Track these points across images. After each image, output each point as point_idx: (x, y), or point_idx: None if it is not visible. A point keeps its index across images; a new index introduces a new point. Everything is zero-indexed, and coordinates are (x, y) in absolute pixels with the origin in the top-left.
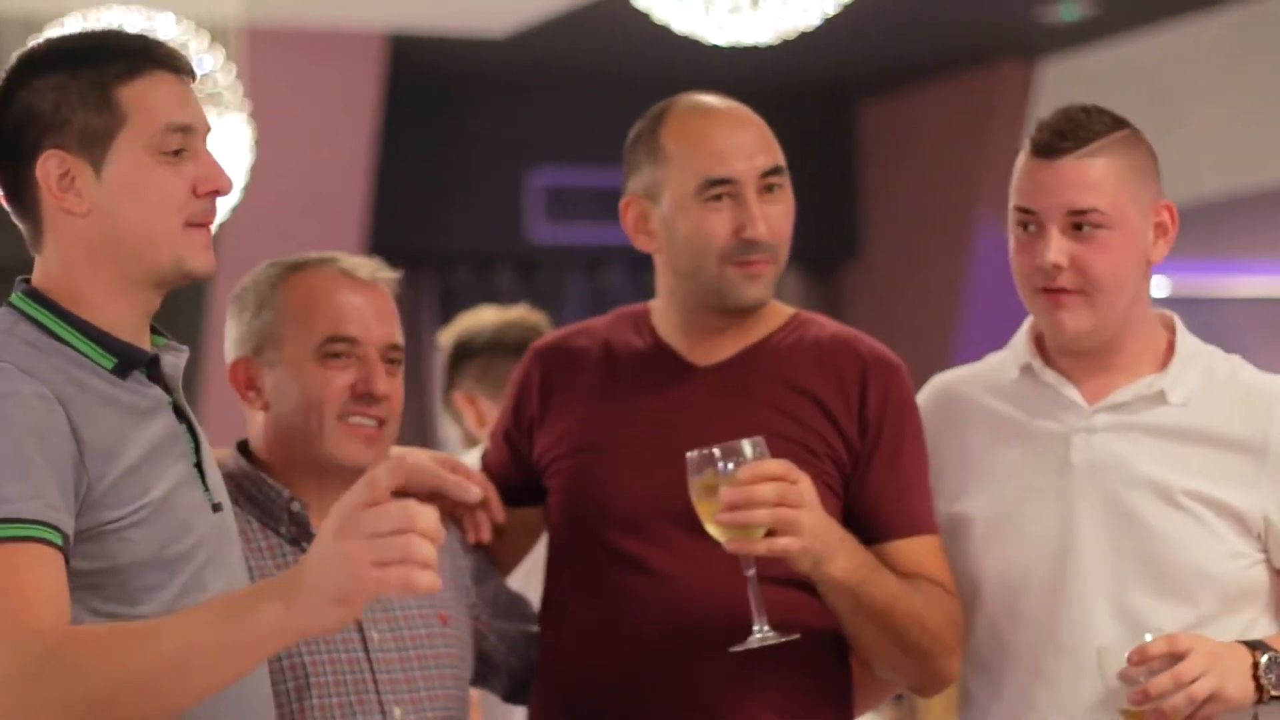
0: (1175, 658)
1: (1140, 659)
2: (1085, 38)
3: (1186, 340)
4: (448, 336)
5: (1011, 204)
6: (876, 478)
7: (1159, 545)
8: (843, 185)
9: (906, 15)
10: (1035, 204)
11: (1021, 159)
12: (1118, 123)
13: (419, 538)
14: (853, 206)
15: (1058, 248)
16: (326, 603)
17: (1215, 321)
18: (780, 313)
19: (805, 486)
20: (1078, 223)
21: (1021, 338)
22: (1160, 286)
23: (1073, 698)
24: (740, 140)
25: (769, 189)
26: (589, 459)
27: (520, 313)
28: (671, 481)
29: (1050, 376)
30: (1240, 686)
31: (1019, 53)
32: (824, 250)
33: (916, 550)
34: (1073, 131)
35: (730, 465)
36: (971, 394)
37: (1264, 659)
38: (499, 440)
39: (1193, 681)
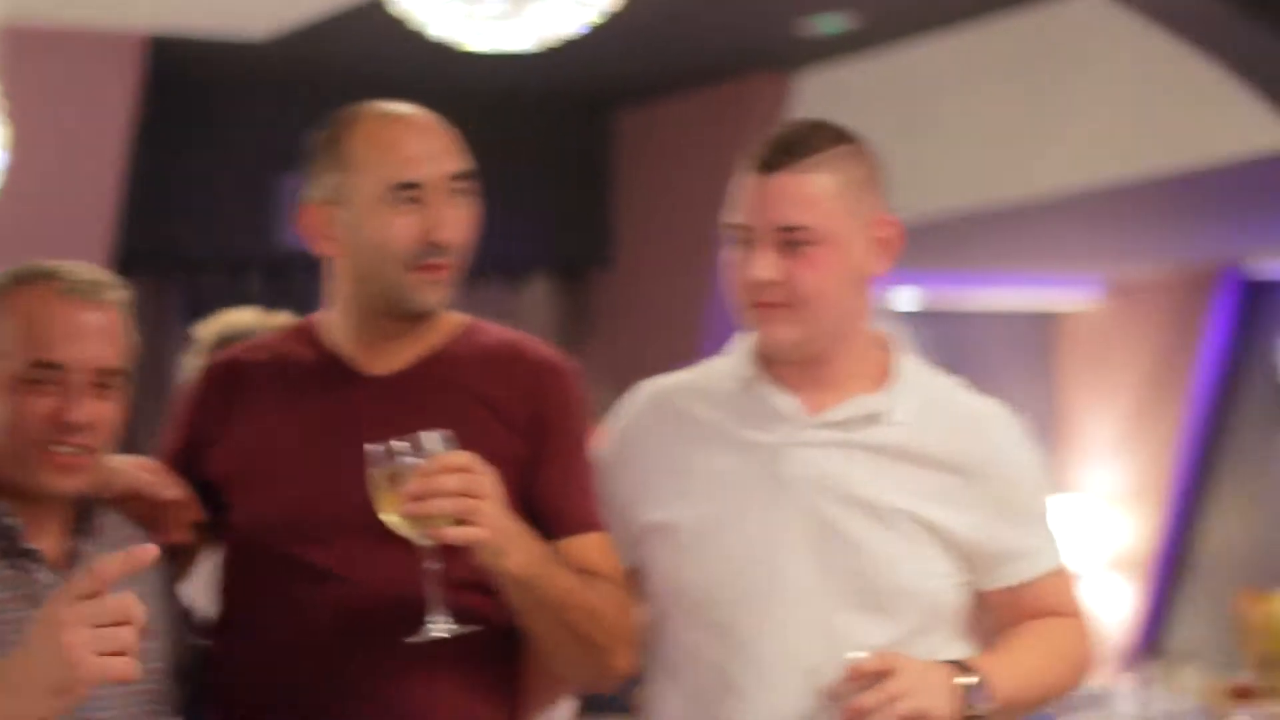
0: (884, 675)
1: (851, 676)
2: (842, 51)
3: (905, 359)
4: (208, 330)
5: (728, 220)
6: (549, 478)
7: (866, 563)
8: (597, 193)
9: (667, 25)
10: (749, 220)
11: (742, 174)
12: (840, 137)
13: (131, 629)
14: (606, 215)
15: (766, 264)
16: (45, 693)
17: (963, 333)
18: (454, 321)
19: (489, 479)
20: (788, 240)
21: (742, 349)
22: (910, 299)
23: (767, 712)
24: (428, 145)
25: (456, 193)
26: (265, 473)
27: (284, 319)
28: (347, 490)
29: (767, 389)
30: (943, 707)
31: (776, 64)
32: (576, 258)
33: (587, 547)
34: (790, 147)
35: (415, 457)
36: (684, 401)
37: (967, 680)
38: (167, 461)
39: (899, 699)
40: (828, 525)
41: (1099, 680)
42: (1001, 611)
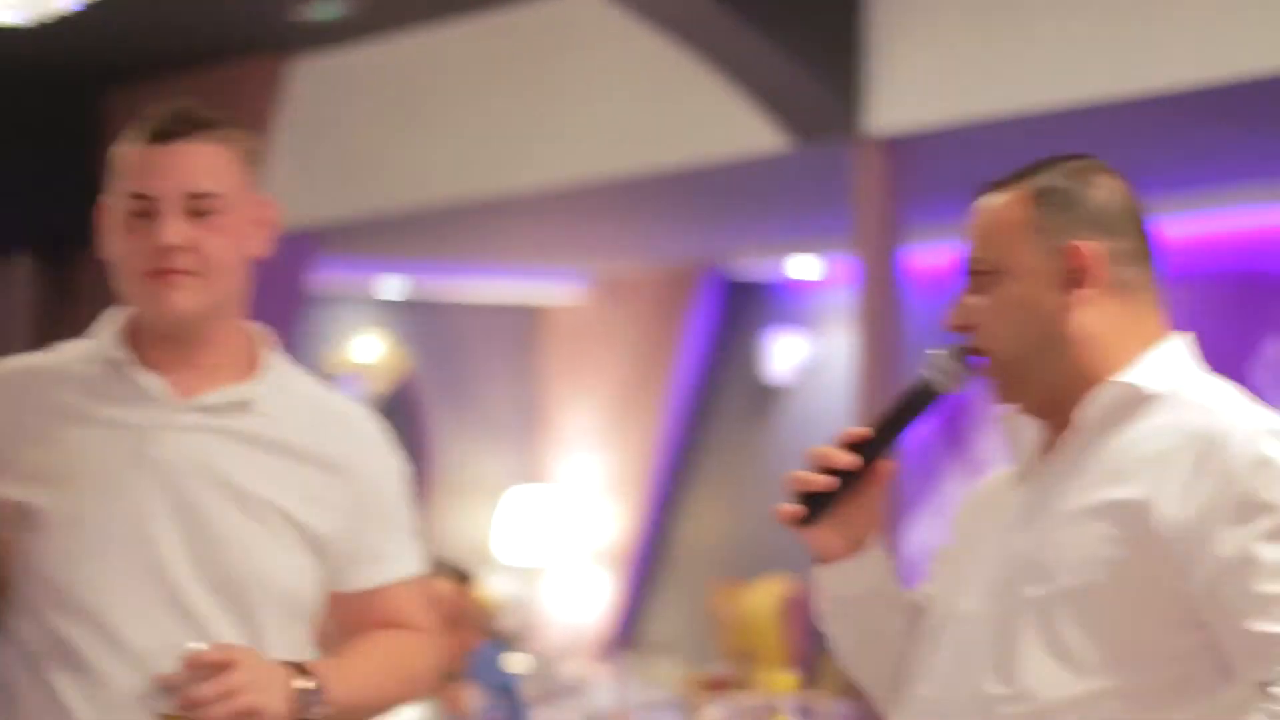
0: (225, 668)
1: (192, 665)
2: (337, 38)
3: (272, 353)
4: None
5: (121, 190)
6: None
7: (229, 551)
8: (84, 173)
9: (161, 5)
10: (152, 188)
11: (129, 145)
12: (229, 117)
13: None
14: (90, 195)
15: (176, 229)
16: None
17: (448, 324)
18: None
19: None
20: (195, 207)
21: (108, 330)
22: (396, 288)
23: (117, 693)
24: None
25: None
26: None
27: None
28: None
29: (135, 370)
30: (279, 706)
31: (270, 49)
32: (60, 237)
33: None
34: (189, 117)
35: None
36: (41, 383)
37: (304, 683)
38: None
39: (237, 694)
40: (195, 510)
41: (577, 670)
42: (352, 615)
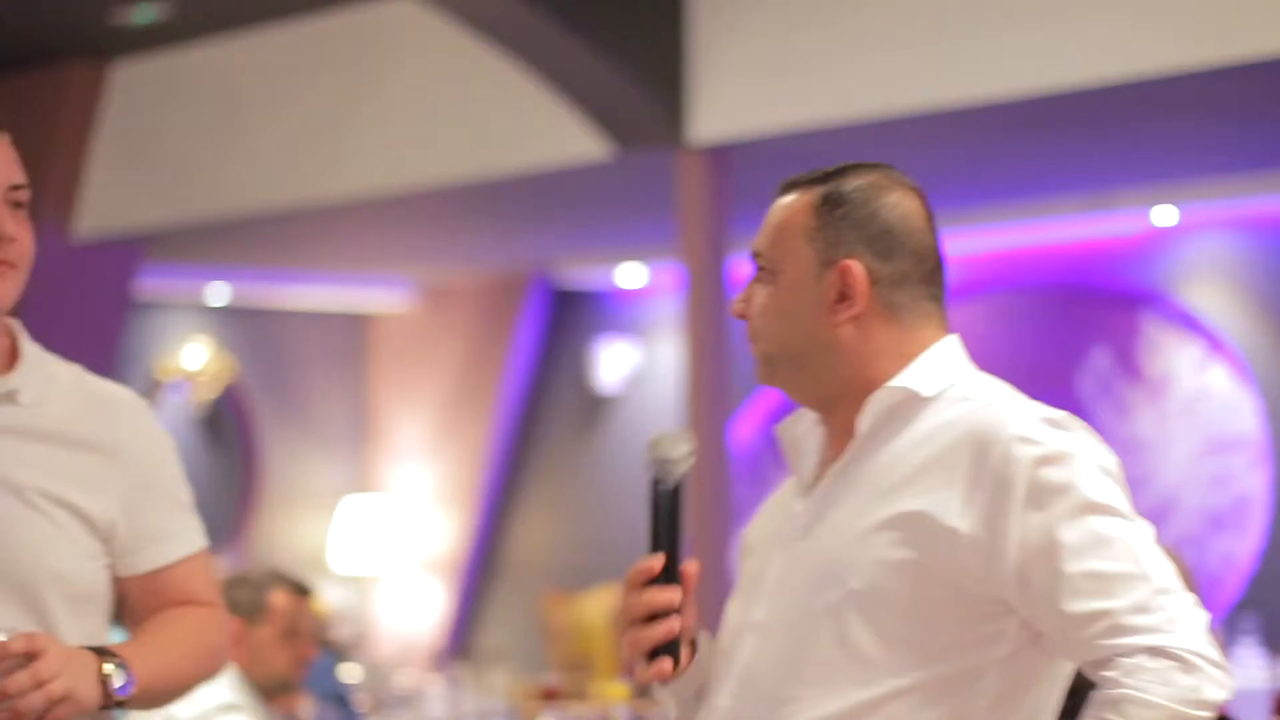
0: (32, 657)
1: None
2: (159, 42)
3: (29, 345)
4: None
5: None
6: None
7: (10, 545)
8: None
9: None
10: None
11: None
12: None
13: None
14: None
15: (11, 221)
16: None
17: (275, 331)
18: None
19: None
20: (15, 199)
21: None
22: (221, 295)
23: None
24: None
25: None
26: None
27: None
28: None
29: None
30: (90, 690)
31: (91, 53)
32: None
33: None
34: None
35: None
36: None
37: (111, 666)
38: None
39: (49, 681)
40: None
41: (410, 680)
42: (142, 597)
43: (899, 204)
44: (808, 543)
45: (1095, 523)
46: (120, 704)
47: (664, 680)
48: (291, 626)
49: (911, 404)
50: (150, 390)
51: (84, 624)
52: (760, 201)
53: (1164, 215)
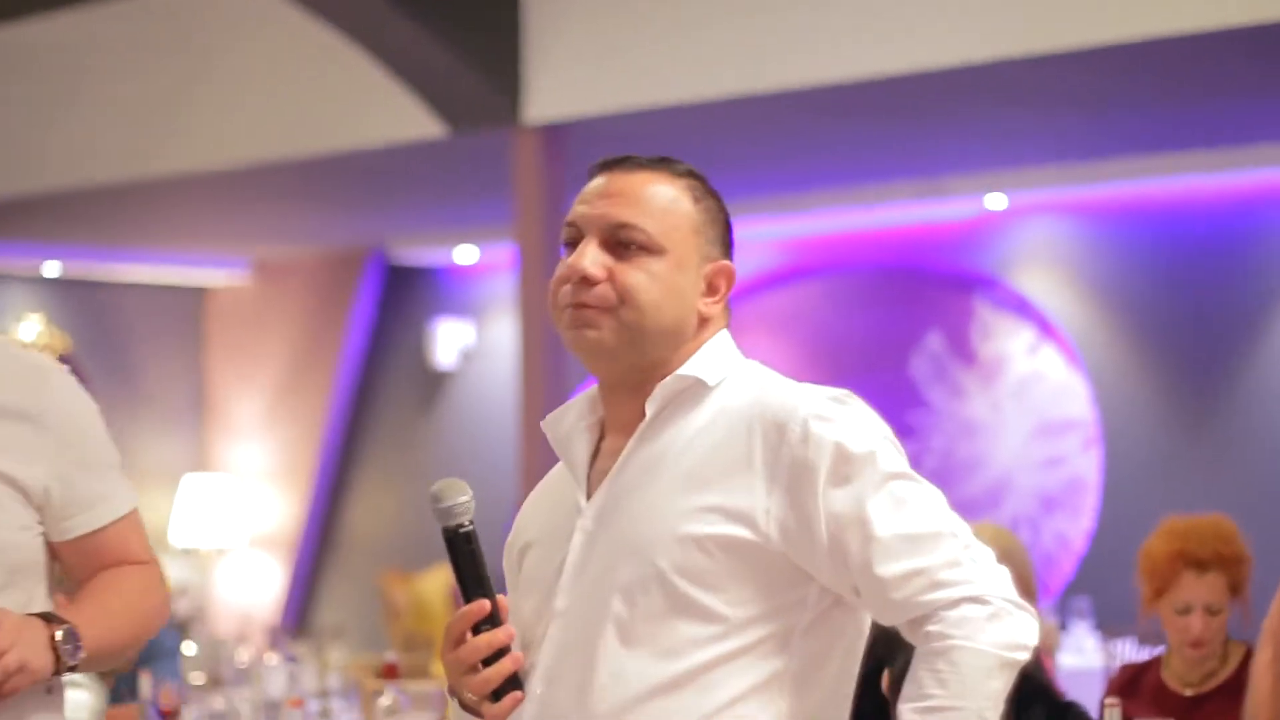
0: None
1: None
2: None
3: None
4: None
5: None
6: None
7: None
8: None
9: None
10: None
11: None
12: None
13: None
14: None
15: None
16: None
17: (109, 306)
18: None
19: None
20: None
21: None
22: (57, 270)
23: None
24: None
25: None
26: None
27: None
28: None
29: None
30: (42, 658)
31: None
32: None
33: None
34: None
35: None
36: None
37: (60, 632)
38: None
39: (2, 654)
40: None
41: (248, 656)
42: (80, 560)
43: (723, 207)
44: (606, 530)
45: (897, 488)
46: (71, 669)
47: (516, 708)
48: None
49: (696, 390)
50: None
51: (21, 593)
52: None
53: (995, 201)
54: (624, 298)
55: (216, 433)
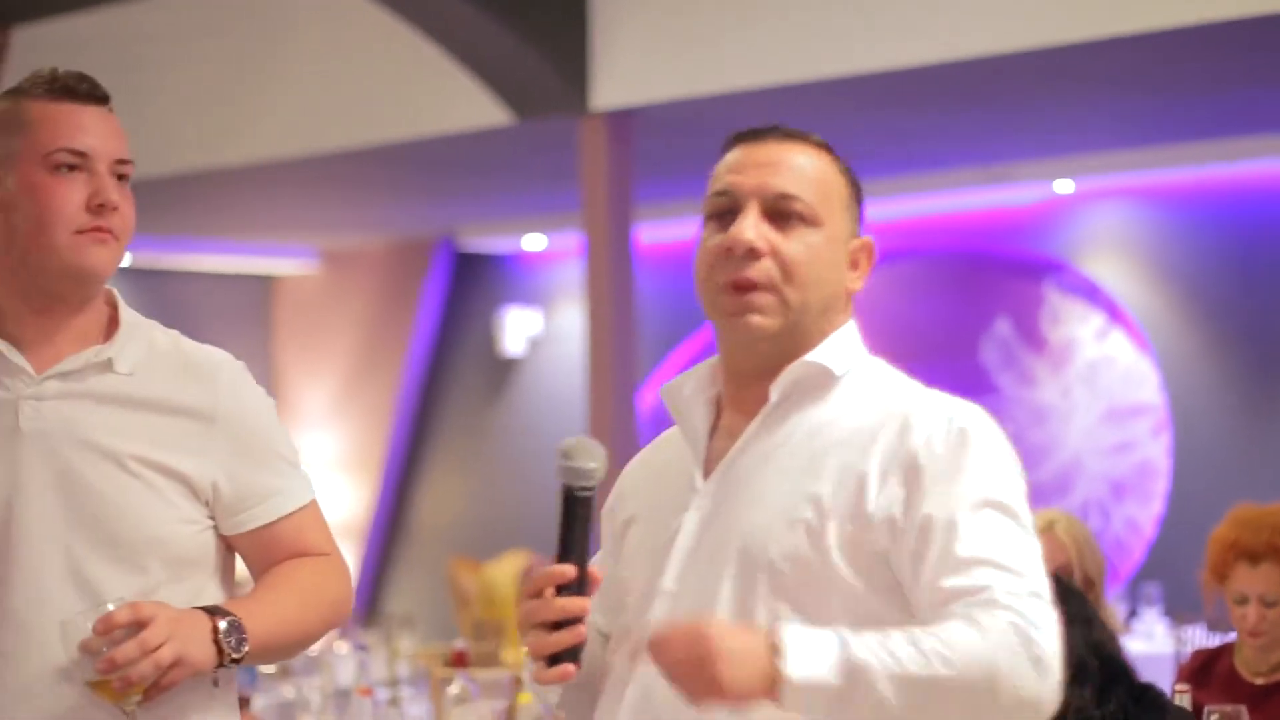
0: (139, 625)
1: (105, 628)
2: (61, 5)
3: (128, 313)
4: None
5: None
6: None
7: (110, 512)
8: None
9: None
10: (91, 148)
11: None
12: None
13: None
14: None
15: (116, 189)
16: None
17: (177, 296)
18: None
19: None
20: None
21: None
22: (127, 259)
23: (30, 671)
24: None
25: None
26: None
27: None
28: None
29: (2, 345)
30: (203, 651)
31: None
32: None
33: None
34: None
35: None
36: None
37: (223, 624)
38: None
39: (158, 648)
40: (70, 474)
41: (316, 646)
42: (255, 553)
43: None
44: (720, 515)
45: (994, 517)
46: (236, 661)
47: (563, 680)
48: None
49: (823, 379)
50: None
51: (186, 586)
52: (662, 168)
53: (1064, 186)
54: (788, 273)
55: (285, 422)
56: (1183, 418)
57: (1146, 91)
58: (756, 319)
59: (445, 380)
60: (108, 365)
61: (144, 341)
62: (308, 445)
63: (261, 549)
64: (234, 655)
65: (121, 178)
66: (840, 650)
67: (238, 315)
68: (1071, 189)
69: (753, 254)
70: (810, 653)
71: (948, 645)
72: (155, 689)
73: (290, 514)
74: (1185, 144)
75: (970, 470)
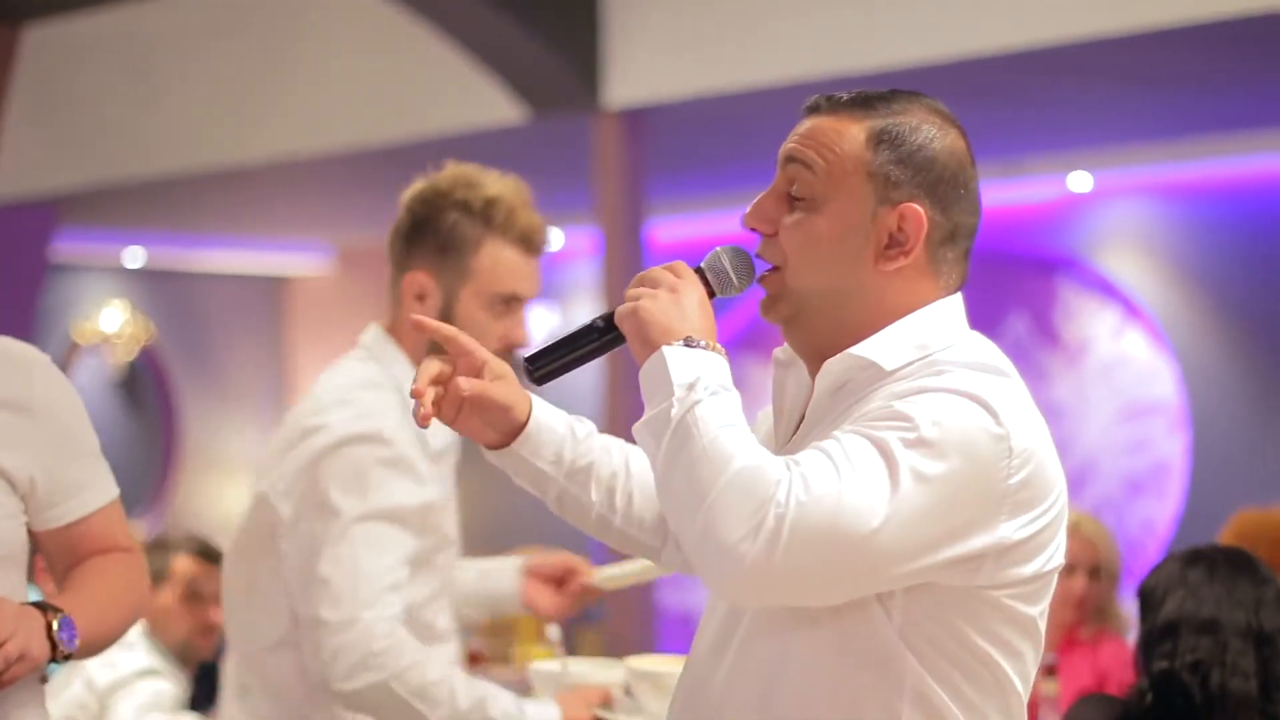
0: None
1: None
2: (72, 4)
3: None
4: None
5: None
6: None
7: None
8: None
9: None
10: None
11: None
12: None
13: None
14: None
15: None
16: None
17: (192, 295)
18: None
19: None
20: None
21: None
22: (136, 258)
23: None
24: None
25: None
26: None
27: None
28: None
29: None
30: (41, 646)
31: (3, 15)
32: None
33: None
34: None
35: None
36: None
37: (56, 621)
38: None
39: (3, 642)
40: None
41: None
42: (64, 548)
43: (956, 147)
44: None
45: (863, 445)
46: (67, 657)
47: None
48: (192, 590)
49: (871, 375)
50: (67, 353)
51: (4, 582)
52: (675, 165)
53: (1079, 181)
54: (784, 257)
55: None
56: (1200, 415)
57: (1162, 87)
58: (765, 302)
59: None
60: None
61: None
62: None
63: (69, 544)
64: (66, 650)
65: None
66: (698, 383)
67: (252, 315)
68: (1088, 185)
69: (756, 230)
70: (688, 366)
71: (731, 438)
72: None
73: (100, 509)
74: (1202, 139)
75: (881, 413)
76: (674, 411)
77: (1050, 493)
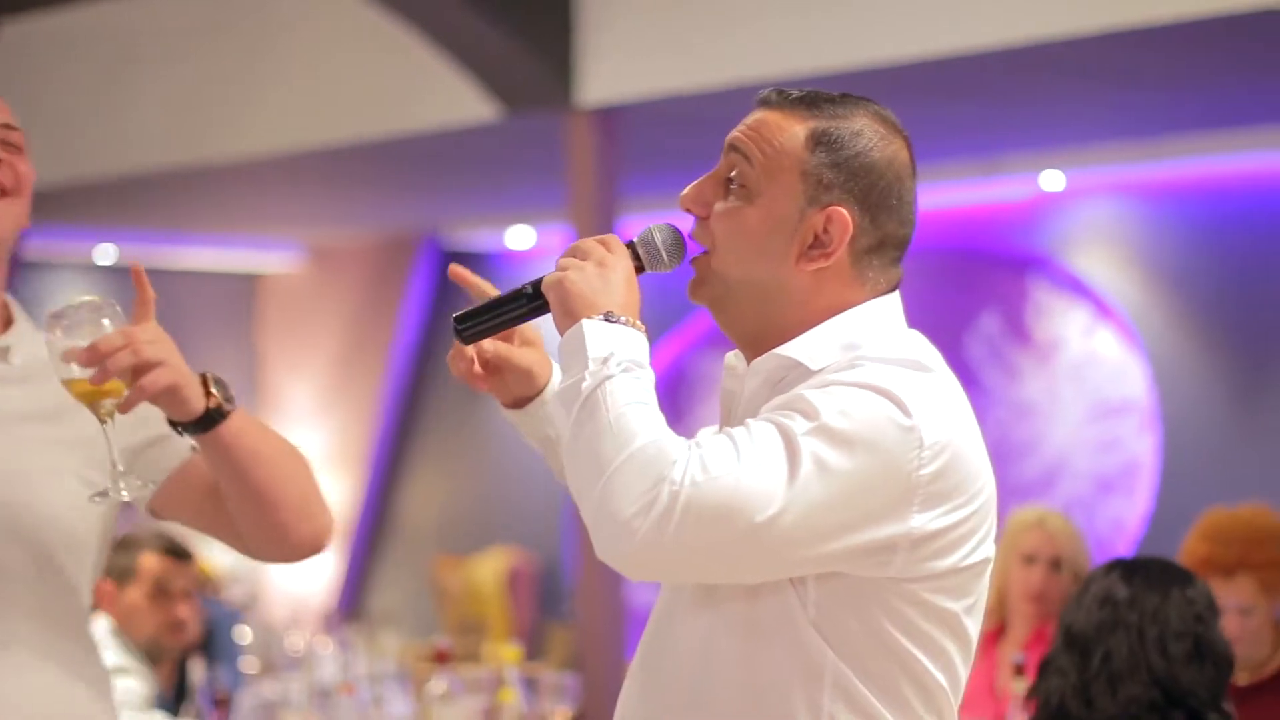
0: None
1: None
2: (42, 3)
3: (21, 311)
4: None
5: None
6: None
7: (14, 486)
8: None
9: None
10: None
11: None
12: None
13: None
14: None
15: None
16: None
17: (164, 292)
18: None
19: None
20: (7, 138)
21: None
22: (108, 255)
23: None
24: None
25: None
26: None
27: None
28: None
29: None
30: (189, 376)
31: None
32: None
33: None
34: None
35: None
36: None
37: (213, 376)
38: None
39: (141, 346)
40: None
41: (301, 642)
42: (186, 492)
43: (896, 159)
44: None
45: (769, 431)
46: (222, 415)
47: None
48: (160, 587)
49: (799, 374)
50: None
51: (83, 566)
52: (648, 163)
53: (1052, 180)
54: (709, 243)
55: (270, 418)
56: (1171, 415)
57: (1136, 85)
58: (692, 283)
59: (431, 377)
60: (6, 352)
61: (31, 330)
62: (292, 441)
63: (188, 485)
64: (223, 403)
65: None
66: (611, 359)
67: (223, 312)
68: (1059, 183)
69: (690, 212)
70: (604, 340)
71: (637, 415)
72: (136, 393)
73: (193, 451)
74: (1174, 139)
75: (790, 402)
76: (585, 384)
77: (971, 485)
